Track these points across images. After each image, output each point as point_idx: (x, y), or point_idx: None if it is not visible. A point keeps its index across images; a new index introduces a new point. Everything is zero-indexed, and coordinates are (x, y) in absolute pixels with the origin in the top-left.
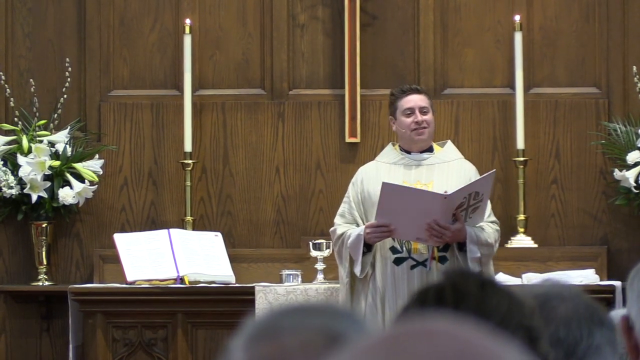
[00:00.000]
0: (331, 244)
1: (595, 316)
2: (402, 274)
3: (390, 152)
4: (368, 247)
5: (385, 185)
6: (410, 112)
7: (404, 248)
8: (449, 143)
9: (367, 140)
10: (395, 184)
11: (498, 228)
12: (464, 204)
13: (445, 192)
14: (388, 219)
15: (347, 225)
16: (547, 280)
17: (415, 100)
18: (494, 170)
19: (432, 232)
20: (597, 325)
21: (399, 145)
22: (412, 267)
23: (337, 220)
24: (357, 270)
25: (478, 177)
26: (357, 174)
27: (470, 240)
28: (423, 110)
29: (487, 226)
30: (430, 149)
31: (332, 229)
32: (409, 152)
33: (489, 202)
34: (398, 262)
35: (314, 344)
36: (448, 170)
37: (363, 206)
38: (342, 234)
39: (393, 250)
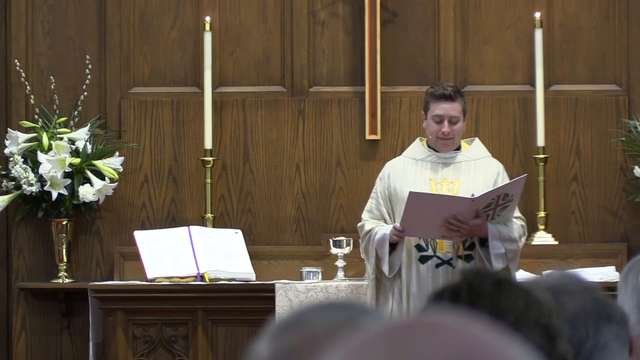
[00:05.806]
0: (351, 241)
1: (603, 312)
2: (427, 272)
3: (417, 148)
4: (392, 246)
5: (412, 195)
6: (439, 119)
7: (430, 246)
8: (477, 140)
9: (387, 137)
10: (422, 192)
11: (523, 223)
12: (492, 204)
13: (472, 195)
14: (412, 223)
15: (375, 221)
16: (555, 271)
17: (446, 109)
18: (525, 174)
19: (449, 227)
20: (605, 322)
21: (427, 142)
22: (438, 265)
23: (365, 215)
24: (386, 269)
25: (505, 175)
26: (384, 169)
27: (492, 236)
28: (453, 120)
29: (511, 221)
30: (457, 147)
31: (359, 224)
32: (436, 150)
33: None
34: (423, 260)
35: (341, 333)
36: (475, 169)
37: (390, 202)
38: (370, 231)
39: (418, 248)
